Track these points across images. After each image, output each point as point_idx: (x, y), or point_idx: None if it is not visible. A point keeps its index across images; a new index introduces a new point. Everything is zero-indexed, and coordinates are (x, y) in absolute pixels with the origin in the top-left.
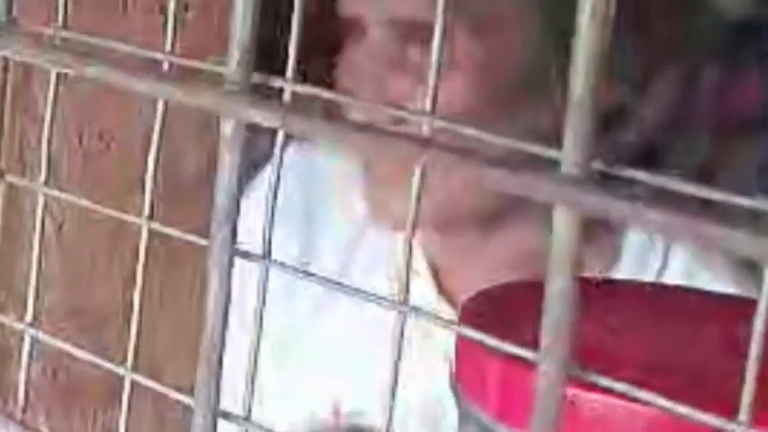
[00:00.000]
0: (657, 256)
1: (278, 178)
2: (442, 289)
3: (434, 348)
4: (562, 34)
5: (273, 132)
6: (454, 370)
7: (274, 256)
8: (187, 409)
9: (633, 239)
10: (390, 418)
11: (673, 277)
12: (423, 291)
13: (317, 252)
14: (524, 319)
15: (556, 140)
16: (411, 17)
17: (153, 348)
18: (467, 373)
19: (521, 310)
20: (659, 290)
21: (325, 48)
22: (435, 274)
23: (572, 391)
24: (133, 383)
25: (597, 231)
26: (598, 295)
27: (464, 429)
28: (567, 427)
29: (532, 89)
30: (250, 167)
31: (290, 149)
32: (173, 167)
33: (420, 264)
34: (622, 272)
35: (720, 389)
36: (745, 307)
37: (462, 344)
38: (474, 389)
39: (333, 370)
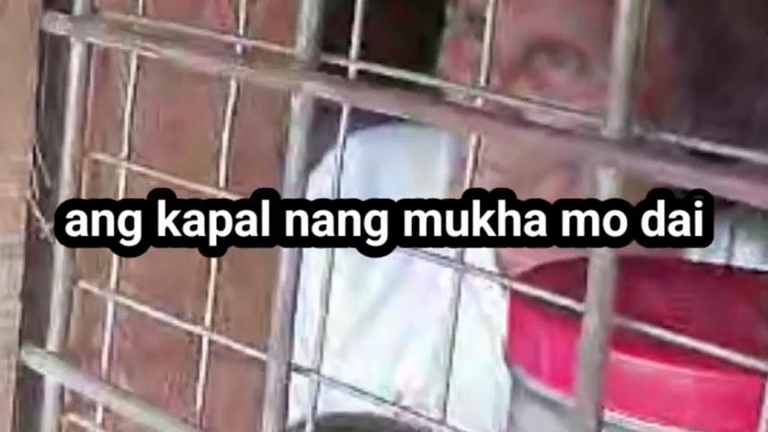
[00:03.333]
0: (722, 253)
1: (341, 163)
2: (499, 261)
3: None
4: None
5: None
6: (507, 341)
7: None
8: (262, 372)
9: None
10: (447, 385)
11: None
12: (482, 258)
13: None
14: (577, 289)
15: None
16: (549, 35)
17: (229, 317)
18: (519, 342)
19: (575, 282)
20: (721, 270)
21: None
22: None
23: (623, 357)
24: (209, 346)
25: None
26: (664, 272)
27: (517, 400)
28: (619, 393)
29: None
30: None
31: (354, 141)
32: (248, 147)
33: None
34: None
35: (753, 347)
36: None
37: (515, 313)
38: (527, 357)
39: (399, 358)
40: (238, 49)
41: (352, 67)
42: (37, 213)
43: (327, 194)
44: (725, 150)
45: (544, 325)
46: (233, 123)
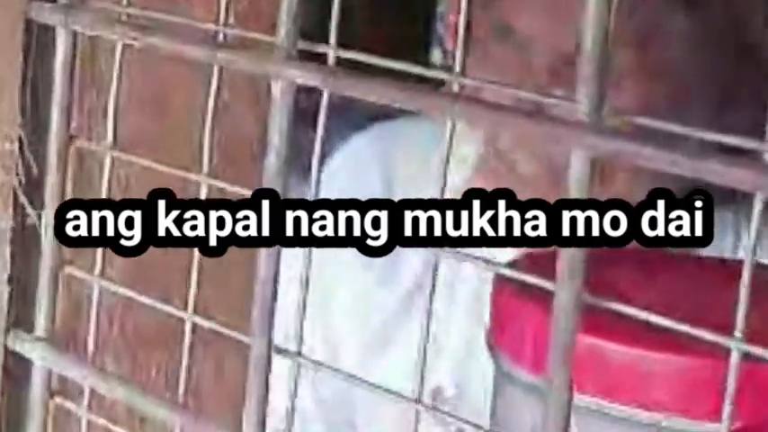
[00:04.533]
0: (729, 244)
1: (322, 147)
2: None
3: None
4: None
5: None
6: (490, 327)
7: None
8: (244, 354)
9: None
10: (423, 359)
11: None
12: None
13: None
14: None
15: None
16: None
17: (220, 303)
18: (503, 328)
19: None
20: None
21: None
22: None
23: (597, 342)
24: (193, 330)
25: None
26: (648, 263)
27: (501, 386)
28: (593, 377)
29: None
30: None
31: (371, 133)
32: (232, 134)
33: None
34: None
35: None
36: None
37: (498, 300)
38: (510, 344)
39: (430, 360)
40: (221, 37)
41: (332, 54)
42: (23, 200)
43: (342, 187)
44: (730, 139)
45: (527, 311)
46: (216, 109)
